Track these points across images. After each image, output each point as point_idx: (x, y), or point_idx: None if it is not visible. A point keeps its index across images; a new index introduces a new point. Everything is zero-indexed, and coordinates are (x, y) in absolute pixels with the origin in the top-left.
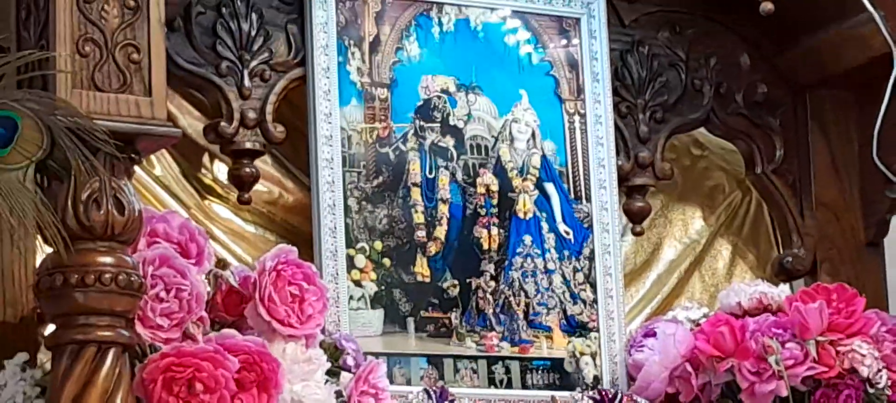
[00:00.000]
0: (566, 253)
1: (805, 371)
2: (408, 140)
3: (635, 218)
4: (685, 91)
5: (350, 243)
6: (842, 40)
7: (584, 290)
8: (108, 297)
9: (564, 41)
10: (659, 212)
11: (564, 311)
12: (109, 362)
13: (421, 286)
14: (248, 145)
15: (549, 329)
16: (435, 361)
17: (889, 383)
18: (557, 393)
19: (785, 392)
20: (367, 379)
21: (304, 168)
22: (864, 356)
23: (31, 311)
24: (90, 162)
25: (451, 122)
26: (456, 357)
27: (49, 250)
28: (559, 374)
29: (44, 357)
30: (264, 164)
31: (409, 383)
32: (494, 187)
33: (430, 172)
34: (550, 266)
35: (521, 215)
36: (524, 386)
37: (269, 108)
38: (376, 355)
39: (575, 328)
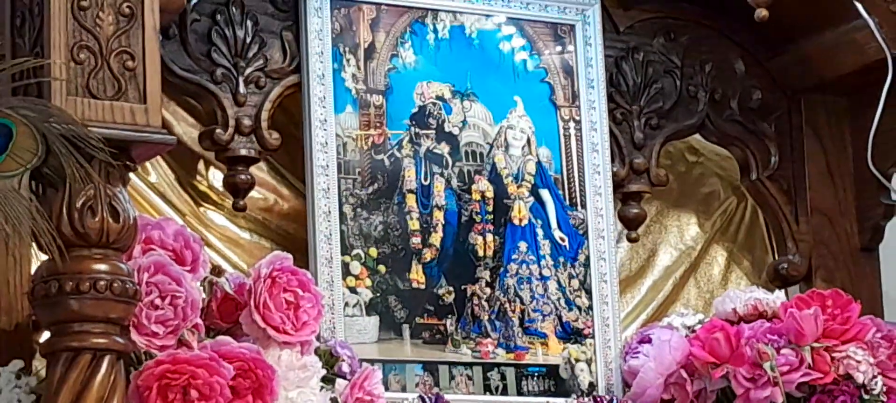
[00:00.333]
0: (561, 259)
1: (800, 377)
2: (403, 147)
3: (630, 224)
4: (680, 97)
5: (345, 250)
6: (836, 46)
7: (580, 297)
8: (103, 304)
9: (559, 48)
10: (654, 219)
11: (560, 318)
12: (104, 369)
13: (416, 292)
14: (244, 152)
15: (544, 335)
16: (430, 368)
17: (884, 389)
18: (553, 400)
19: (780, 399)
20: (363, 386)
21: (299, 175)
22: (859, 362)
23: (26, 318)
24: (85, 169)
25: (447, 129)
26: (451, 364)
27: (44, 257)
28: (554, 381)
29: (39, 364)
30: (259, 171)
31: (404, 390)
32: (490, 194)
33: (426, 179)
34: (546, 272)
35: (516, 222)
36: (520, 393)
37: (265, 115)
38: (372, 362)
39: (570, 334)
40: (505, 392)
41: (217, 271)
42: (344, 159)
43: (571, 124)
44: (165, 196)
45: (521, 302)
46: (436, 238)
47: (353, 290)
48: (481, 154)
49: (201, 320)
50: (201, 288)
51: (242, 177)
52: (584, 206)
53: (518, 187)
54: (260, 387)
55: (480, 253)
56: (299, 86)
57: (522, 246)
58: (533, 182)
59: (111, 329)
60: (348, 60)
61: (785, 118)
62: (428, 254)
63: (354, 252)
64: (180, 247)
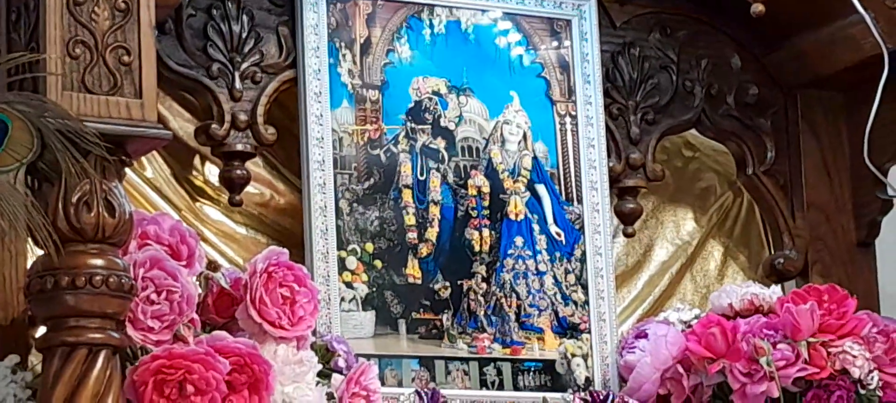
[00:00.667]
0: (557, 254)
1: (796, 372)
2: (399, 142)
3: (627, 219)
4: (676, 92)
5: (341, 245)
6: (832, 41)
7: (576, 292)
8: (99, 299)
9: (556, 43)
10: (650, 214)
11: (556, 313)
12: (100, 364)
13: (412, 287)
14: (239, 147)
15: (540, 330)
16: (426, 363)
17: (880, 384)
18: (549, 395)
19: (776, 393)
20: (359, 381)
21: (295, 170)
22: (855, 357)
23: (21, 313)
24: (81, 164)
25: (443, 124)
26: (447, 359)
27: (40, 252)
28: (551, 376)
29: (35, 359)
30: (255, 166)
31: (400, 384)
32: (486, 189)
33: (422, 174)
34: (542, 267)
35: (512, 217)
36: (516, 388)
37: (260, 110)
38: (368, 356)
39: (566, 329)
40: (501, 387)
41: (213, 266)
42: (340, 154)
43: (567, 119)
44: (161, 191)
45: (518, 297)
46: (432, 233)
47: (349, 285)
48: (477, 149)
49: (197, 315)
50: (197, 283)
51: (238, 172)
52: (580, 201)
53: (514, 182)
54: (256, 382)
55: (476, 248)
56: (295, 81)
57: (518, 241)
58: (529, 177)
59: (107, 324)
60: (344, 55)
61: (781, 113)
62: (424, 249)
63: (350, 247)
64: (176, 242)
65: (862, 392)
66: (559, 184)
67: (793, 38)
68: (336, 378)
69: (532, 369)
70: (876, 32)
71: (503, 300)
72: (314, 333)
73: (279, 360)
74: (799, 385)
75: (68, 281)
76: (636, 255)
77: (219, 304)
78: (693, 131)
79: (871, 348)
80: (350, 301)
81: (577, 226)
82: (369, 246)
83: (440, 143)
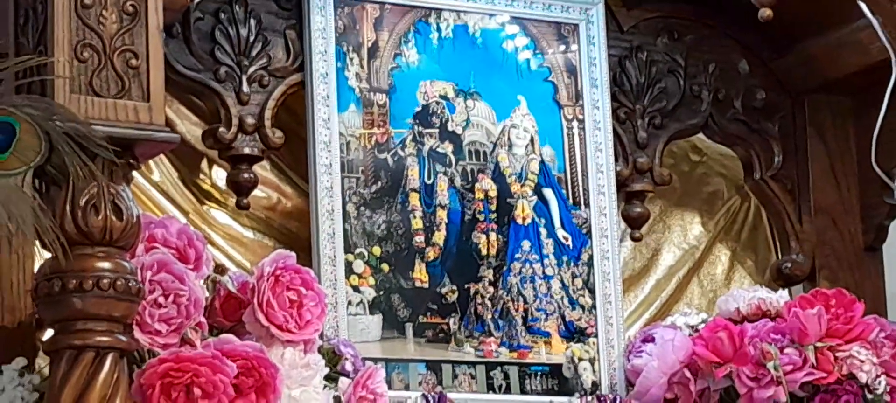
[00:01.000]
0: (565, 258)
1: (803, 376)
2: (406, 146)
3: (634, 223)
4: (683, 97)
5: (348, 248)
6: (840, 46)
7: (583, 296)
8: (107, 302)
9: (563, 47)
10: (657, 218)
11: (563, 317)
12: (107, 367)
13: (419, 291)
14: (247, 150)
15: (547, 334)
16: (433, 366)
17: (888, 388)
18: (556, 399)
19: (783, 398)
20: (366, 385)
21: (302, 173)
22: (862, 362)
23: (29, 316)
24: (88, 167)
25: (450, 128)
26: (454, 363)
27: (47, 255)
28: (558, 380)
29: (42, 362)
30: (263, 170)
31: (407, 388)
32: (493, 193)
33: (429, 178)
34: (549, 271)
35: (519, 221)
36: (523, 392)
37: (268, 114)
38: (375, 360)
39: (573, 333)
40: (508, 391)
41: (220, 269)
42: (347, 158)
43: (575, 123)
44: (169, 194)
45: (525, 301)
46: (439, 237)
47: (356, 289)
48: (485, 153)
49: (204, 318)
50: (204, 286)
51: (246, 175)
52: (587, 205)
53: (521, 186)
54: (263, 386)
55: (484, 251)
56: (303, 84)
57: (526, 244)
58: (536, 181)
59: (114, 327)
60: (352, 59)
61: (788, 118)
62: (431, 253)
63: (358, 250)
64: (183, 246)
65: (869, 396)
66: (566, 188)
67: (800, 42)
68: (343, 381)
69: (539, 373)
70: (883, 37)
71: (510, 304)
72: (321, 337)
73: (286, 364)
74: (806, 390)
75: (76, 284)
76: (643, 259)
77: (226, 307)
78: (700, 135)
79: (879, 353)
80: (357, 304)
81: (584, 230)
82: (376, 250)
83: (447, 147)
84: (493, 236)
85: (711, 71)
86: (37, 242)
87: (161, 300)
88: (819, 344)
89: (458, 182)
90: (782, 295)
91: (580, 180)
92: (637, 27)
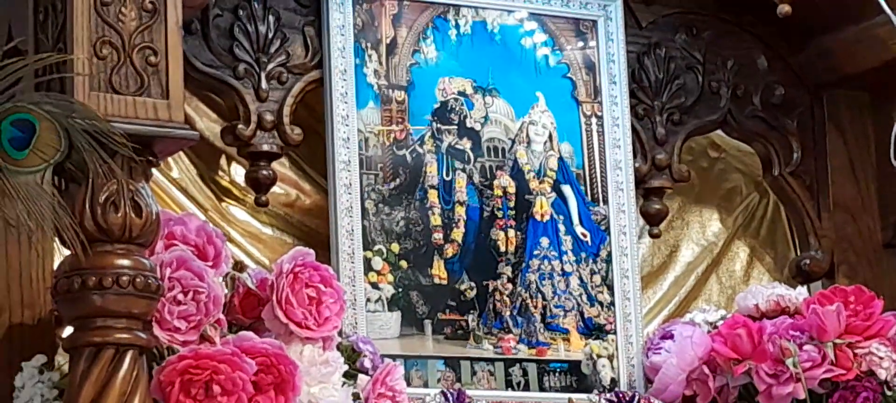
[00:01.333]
0: (583, 255)
1: (822, 373)
2: (425, 142)
3: (652, 220)
4: (702, 93)
5: (367, 245)
6: (858, 41)
7: (602, 292)
8: (126, 300)
9: (581, 43)
10: (676, 214)
11: (581, 314)
12: (127, 364)
13: (438, 288)
14: (266, 147)
15: (566, 331)
16: (452, 363)
17: None
18: (574, 396)
19: (802, 395)
20: (385, 382)
21: (321, 170)
22: (881, 358)
23: (48, 313)
24: (108, 164)
25: (468, 125)
26: (473, 360)
27: (67, 252)
28: (576, 376)
29: (61, 359)
30: (281, 167)
31: (426, 385)
32: (511, 189)
33: (447, 174)
34: (567, 268)
35: (538, 217)
36: (541, 389)
37: (286, 111)
38: (393, 357)
39: (592, 330)
40: (527, 387)
41: (239, 266)
42: (366, 155)
43: (593, 120)
44: (188, 191)
45: (543, 298)
46: (457, 233)
47: (374, 286)
48: (503, 149)
49: (224, 315)
50: (224, 283)
51: (264, 172)
52: (605, 202)
53: (540, 183)
54: (282, 383)
55: (502, 248)
56: (321, 81)
57: (544, 241)
58: (555, 178)
59: (134, 324)
60: (370, 56)
61: (807, 114)
62: (450, 250)
63: (376, 247)
64: (203, 243)
65: (888, 393)
66: (585, 185)
67: (819, 38)
68: (362, 378)
69: (557, 370)
70: None
71: (529, 300)
72: (340, 333)
73: (305, 361)
74: (825, 387)
75: (95, 282)
76: (662, 256)
77: (245, 305)
78: (719, 132)
79: None
80: (376, 301)
81: (602, 227)
82: (395, 247)
83: (466, 144)
84: (511, 233)
85: (730, 67)
86: (56, 239)
87: (180, 297)
88: (838, 341)
89: (476, 178)
90: (801, 292)
91: (598, 177)
92: (655, 23)
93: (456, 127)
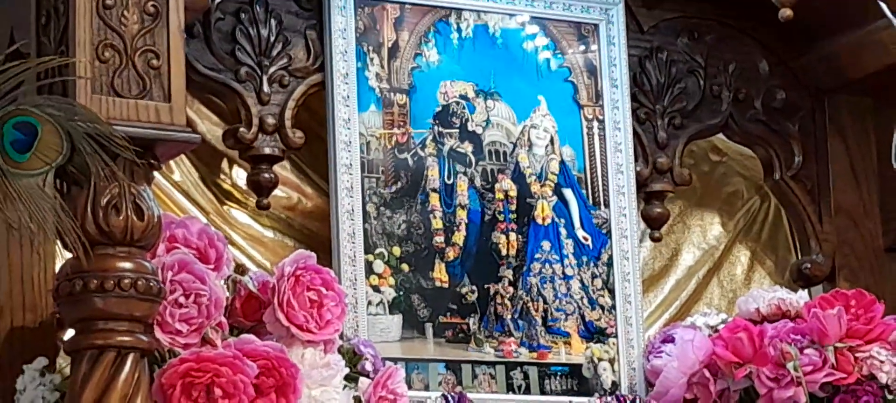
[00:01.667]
0: (584, 258)
1: (823, 377)
2: (426, 146)
3: (654, 223)
4: (704, 97)
5: (368, 248)
6: (860, 46)
7: (603, 296)
8: (128, 302)
9: (583, 47)
10: (677, 218)
11: (583, 317)
12: (128, 367)
13: (439, 291)
14: (267, 151)
15: (567, 334)
16: (453, 366)
17: None
18: (575, 399)
19: (803, 399)
20: (386, 385)
21: (322, 173)
22: (882, 362)
23: (50, 316)
24: (110, 167)
25: (470, 128)
26: (474, 363)
27: (68, 255)
28: (577, 380)
29: (63, 361)
30: (283, 170)
31: (427, 388)
32: (513, 193)
33: (449, 178)
34: (569, 271)
35: (539, 221)
36: (542, 392)
37: (288, 114)
38: (395, 360)
39: (593, 333)
40: (528, 391)
41: (241, 269)
42: (367, 158)
43: (595, 123)
44: (189, 194)
45: (544, 301)
46: (459, 237)
47: (376, 289)
48: (505, 153)
49: (225, 318)
50: (225, 286)
51: (266, 175)
52: (607, 205)
53: (541, 186)
54: (283, 385)
55: (503, 252)
56: (323, 84)
57: (545, 245)
58: (556, 181)
59: (135, 327)
60: (372, 59)
61: (809, 118)
62: (451, 253)
63: (378, 250)
64: (204, 246)
65: (889, 397)
66: (586, 189)
67: (821, 42)
68: (363, 381)
69: (558, 373)
70: None
71: (530, 304)
72: (341, 337)
73: (306, 364)
74: (826, 391)
75: (97, 284)
76: (663, 260)
77: (246, 308)
78: (720, 135)
79: None
80: (377, 304)
81: (603, 231)
82: (396, 250)
83: (467, 147)
84: (512, 236)
85: (731, 71)
86: (58, 242)
87: (182, 300)
88: (839, 345)
89: (478, 182)
90: (802, 296)
91: (600, 180)
92: (657, 27)
93: (457, 130)
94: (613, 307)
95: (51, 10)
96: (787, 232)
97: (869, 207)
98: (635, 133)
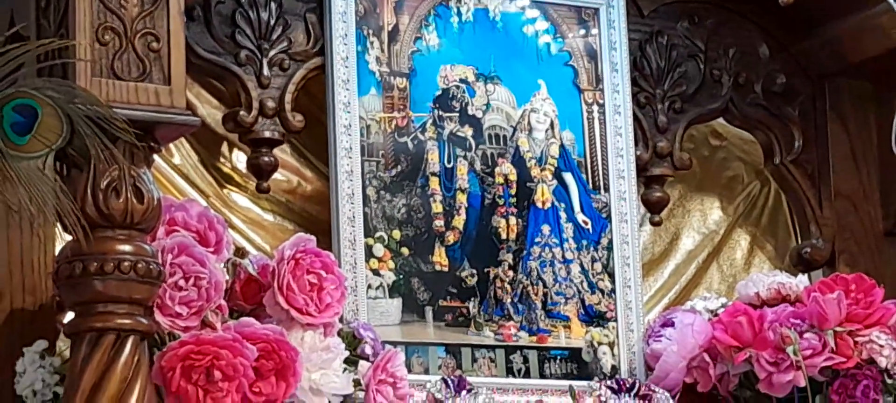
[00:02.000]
0: (584, 242)
1: (823, 361)
2: (426, 129)
3: (653, 208)
4: (704, 81)
5: (368, 232)
6: (861, 30)
7: (603, 280)
8: (127, 285)
9: (583, 31)
10: (677, 202)
11: (582, 301)
12: (128, 350)
13: (439, 275)
14: (267, 134)
15: (567, 318)
16: (453, 350)
17: None
18: (575, 383)
19: (803, 383)
20: (386, 368)
21: (322, 157)
22: (882, 346)
23: (50, 299)
24: (109, 150)
25: (470, 112)
26: (474, 347)
27: (68, 238)
28: (577, 364)
29: (63, 344)
30: (283, 153)
31: (427, 372)
32: (513, 177)
33: (449, 162)
34: (569, 255)
35: (539, 205)
36: (542, 376)
37: (288, 97)
38: (394, 344)
39: (593, 317)
40: (527, 374)
41: (241, 253)
42: (367, 142)
43: (595, 107)
44: (189, 177)
45: (544, 285)
46: (459, 221)
47: (376, 272)
48: (505, 137)
49: (225, 301)
50: (225, 269)
51: (266, 158)
52: (607, 190)
53: (541, 170)
54: (283, 368)
55: (503, 235)
56: (323, 68)
57: (545, 229)
58: (556, 165)
59: (135, 309)
60: (372, 43)
61: (809, 102)
62: (451, 237)
63: (378, 234)
64: (204, 229)
65: (888, 381)
66: (586, 173)
67: (821, 26)
68: (363, 364)
69: (558, 357)
70: None
71: (530, 288)
72: (341, 320)
73: (306, 347)
74: (825, 375)
75: (97, 267)
76: (663, 244)
77: (246, 291)
78: (720, 120)
79: None
80: (377, 288)
81: (603, 215)
82: (396, 234)
83: (467, 131)
84: (512, 220)
85: (732, 55)
86: (58, 225)
87: (181, 283)
88: (838, 329)
89: (478, 166)
90: (802, 280)
91: (600, 164)
92: (657, 11)
93: (457, 114)
94: (613, 291)
95: None
96: (787, 216)
97: (869, 192)
98: (635, 117)
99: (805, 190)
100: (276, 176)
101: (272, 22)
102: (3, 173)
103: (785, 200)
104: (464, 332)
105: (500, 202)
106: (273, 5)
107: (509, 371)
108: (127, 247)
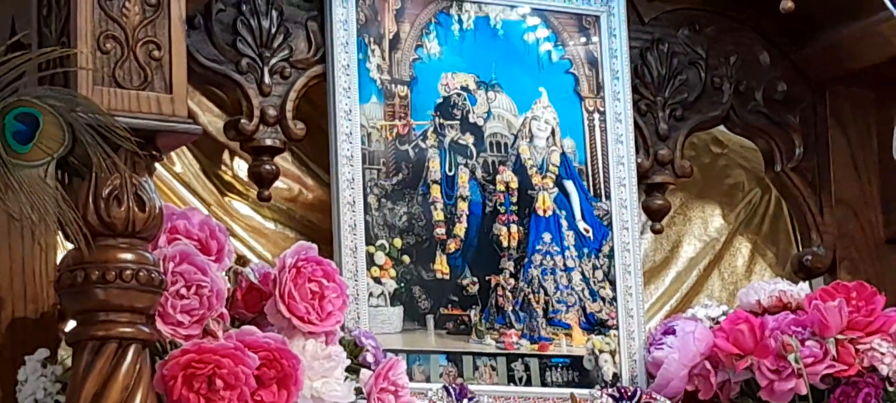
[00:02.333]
0: (585, 250)
1: (824, 369)
2: (427, 137)
3: (655, 215)
4: (705, 89)
5: (370, 240)
6: (861, 38)
7: (604, 288)
8: (129, 294)
9: (584, 39)
10: (678, 210)
11: (584, 309)
12: (130, 358)
13: (440, 283)
14: (268, 142)
15: (568, 326)
16: (454, 358)
17: None
18: (576, 391)
19: (804, 391)
20: (387, 376)
21: (323, 165)
22: (883, 354)
23: (51, 307)
24: (111, 158)
25: (471, 120)
26: (475, 355)
27: (70, 246)
28: (578, 372)
29: (64, 353)
30: (284, 161)
31: (428, 380)
32: (514, 185)
33: (450, 170)
34: (570, 263)
35: (540, 213)
36: (543, 384)
37: (289, 105)
38: (396, 352)
39: (594, 325)
40: (529, 382)
41: (242, 261)
42: (368, 149)
43: (596, 115)
44: (191, 186)
45: (545, 293)
46: (460, 228)
47: (377, 280)
48: (506, 145)
49: (226, 309)
50: (226, 277)
51: (267, 166)
52: (608, 197)
53: (542, 178)
54: (285, 377)
55: (504, 243)
56: (324, 76)
57: (546, 236)
58: (557, 173)
59: (137, 318)
60: (373, 50)
61: (810, 109)
62: (452, 245)
63: (379, 242)
64: (205, 237)
65: (890, 389)
66: (587, 181)
67: (822, 34)
68: (364, 373)
69: (559, 365)
70: None
71: (531, 296)
72: (343, 328)
73: (308, 355)
74: (827, 383)
75: (98, 276)
76: (664, 252)
77: (248, 299)
78: (721, 127)
79: None
80: (378, 296)
81: (605, 223)
82: (398, 242)
83: (469, 139)
84: (514, 228)
85: (732, 63)
86: (60, 233)
87: (183, 291)
88: (840, 337)
89: (479, 174)
90: (803, 288)
91: (601, 172)
92: (658, 19)
93: (458, 122)
94: (614, 299)
95: (52, 1)
96: (787, 223)
97: (870, 199)
98: (636, 125)
99: (806, 197)
100: (278, 184)
101: (273, 30)
102: (5, 182)
103: (786, 208)
104: (465, 340)
105: (502, 210)
106: (274, 13)
107: (510, 380)
108: (129, 256)
